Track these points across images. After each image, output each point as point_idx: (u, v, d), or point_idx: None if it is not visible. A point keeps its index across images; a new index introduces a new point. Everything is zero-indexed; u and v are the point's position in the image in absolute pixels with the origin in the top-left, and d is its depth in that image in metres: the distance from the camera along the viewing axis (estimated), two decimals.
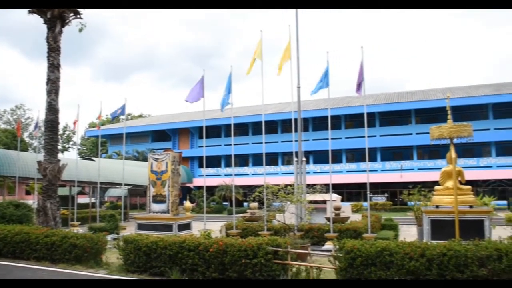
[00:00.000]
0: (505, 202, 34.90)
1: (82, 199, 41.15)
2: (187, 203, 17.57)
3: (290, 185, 15.58)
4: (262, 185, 15.40)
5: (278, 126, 45.05)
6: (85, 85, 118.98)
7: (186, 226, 16.50)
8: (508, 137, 37.87)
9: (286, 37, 16.93)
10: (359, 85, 14.58)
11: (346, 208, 18.64)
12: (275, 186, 15.23)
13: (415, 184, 20.11)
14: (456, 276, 7.65)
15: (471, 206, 12.97)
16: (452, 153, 12.48)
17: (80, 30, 16.79)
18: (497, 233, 13.20)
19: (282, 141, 42.73)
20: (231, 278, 9.42)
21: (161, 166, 16.55)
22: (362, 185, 34.74)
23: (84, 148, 73.34)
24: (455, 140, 12.22)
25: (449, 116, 12.58)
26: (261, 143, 17.73)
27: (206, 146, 43.30)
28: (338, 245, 8.75)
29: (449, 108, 12.82)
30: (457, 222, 11.19)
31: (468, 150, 40.08)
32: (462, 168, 14.29)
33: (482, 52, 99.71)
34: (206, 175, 44.64)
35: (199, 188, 45.67)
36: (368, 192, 15.03)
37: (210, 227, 17.68)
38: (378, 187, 39.91)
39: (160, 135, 54.02)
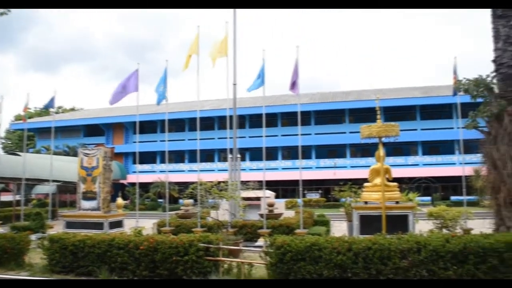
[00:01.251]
0: (429, 198, 36.91)
1: (6, 197, 38.80)
2: (119, 200, 17.06)
3: (224, 182, 15.57)
4: (197, 182, 15.27)
5: (215, 122, 44.92)
6: (11, 75, 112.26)
7: (117, 224, 16.03)
8: (434, 137, 40.14)
9: (223, 34, 16.86)
10: (294, 84, 14.80)
11: (280, 205, 18.91)
12: (208, 183, 15.16)
13: (347, 181, 20.78)
14: (380, 268, 7.98)
15: (397, 202, 13.59)
16: (380, 151, 13.02)
17: (1, 14, 15.70)
18: (421, 227, 13.92)
19: (219, 138, 42.64)
20: (162, 276, 9.26)
21: (92, 162, 15.95)
22: (297, 182, 35.48)
23: (9, 142, 69.21)
24: (383, 139, 12.74)
25: (379, 116, 13.10)
26: (199, 139, 17.55)
27: (141, 141, 42.61)
28: (269, 241, 8.86)
29: (379, 108, 13.37)
30: (384, 217, 11.68)
31: (397, 149, 41.99)
32: (390, 166, 14.95)
33: (419, 55, 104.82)
34: (141, 172, 43.71)
35: (133, 184, 44.55)
36: (300, 189, 15.31)
37: (143, 225, 17.27)
38: (312, 184, 40.90)
39: (93, 130, 52.13)
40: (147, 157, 46.47)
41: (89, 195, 15.80)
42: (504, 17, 11.18)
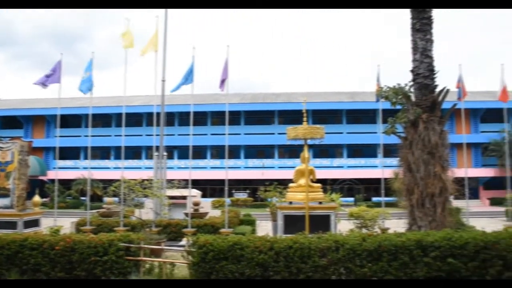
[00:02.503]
0: (352, 199, 38.48)
1: None
2: (36, 198, 16.15)
3: (148, 180, 15.25)
4: (120, 180, 14.83)
5: (143, 119, 43.86)
6: None
7: (33, 223, 15.13)
8: (358, 141, 41.91)
9: (154, 29, 16.49)
10: (223, 82, 14.82)
11: (206, 204, 18.84)
12: (132, 181, 14.77)
13: (274, 181, 21.11)
14: (300, 267, 8.18)
15: (320, 203, 14.05)
16: (305, 153, 13.38)
17: None
18: (342, 227, 14.50)
19: (147, 135, 41.70)
20: (79, 277, 8.87)
21: (5, 156, 14.94)
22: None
23: None
24: (309, 141, 13.10)
25: (305, 119, 13.45)
26: (124, 135, 17.03)
27: (63, 136, 40.58)
28: (191, 240, 8.79)
29: (306, 111, 13.72)
30: (307, 217, 12.02)
31: (323, 151, 43.37)
32: (316, 167, 15.41)
33: (350, 59, 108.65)
34: (63, 168, 41.70)
35: (54, 181, 42.38)
36: (226, 189, 15.34)
37: (62, 224, 16.50)
38: (240, 184, 41.19)
39: (10, 122, 48.87)
40: (71, 153, 44.43)
41: (1, 192, 14.78)
42: (422, 31, 11.95)
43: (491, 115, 39.36)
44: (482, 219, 24.84)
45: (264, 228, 19.40)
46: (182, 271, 9.39)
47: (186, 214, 15.58)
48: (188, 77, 15.01)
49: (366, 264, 8.21)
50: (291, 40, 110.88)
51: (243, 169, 41.82)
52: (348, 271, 8.21)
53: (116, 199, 17.51)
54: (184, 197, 16.89)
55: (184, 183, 17.04)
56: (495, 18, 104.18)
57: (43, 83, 15.95)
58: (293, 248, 8.25)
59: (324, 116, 42.33)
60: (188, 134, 40.00)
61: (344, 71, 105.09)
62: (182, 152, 42.57)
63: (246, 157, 43.12)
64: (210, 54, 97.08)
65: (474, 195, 39.85)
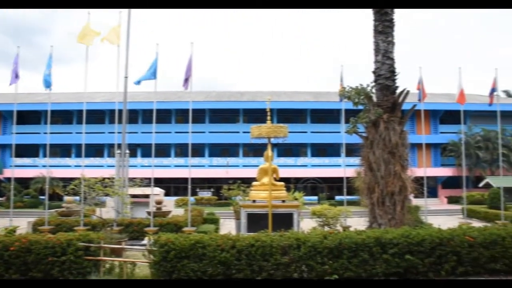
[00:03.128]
0: (316, 197, 38.89)
1: None
2: None
3: (109, 178, 14.95)
4: (80, 178, 14.46)
5: (106, 116, 42.91)
6: None
7: None
8: (322, 140, 42.36)
9: (117, 23, 16.15)
10: (186, 80, 14.69)
11: (169, 202, 18.65)
12: (92, 179, 14.43)
13: (237, 180, 21.07)
14: (262, 265, 8.22)
15: (283, 201, 14.14)
16: (269, 151, 13.43)
17: None
18: (305, 225, 14.62)
19: (109, 132, 40.82)
20: (35, 279, 8.60)
21: None
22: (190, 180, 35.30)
23: None
24: (272, 140, 13.15)
25: (269, 117, 13.50)
26: (86, 133, 16.62)
27: (21, 133, 39.28)
28: (153, 239, 8.68)
29: (269, 110, 13.76)
30: (270, 216, 12.05)
31: (288, 150, 43.65)
32: (280, 166, 15.51)
33: (316, 59, 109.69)
34: (21, 166, 40.27)
35: (10, 180, 40.91)
36: (189, 187, 15.23)
37: (19, 224, 16.00)
38: (205, 182, 40.95)
39: None
40: (29, 151, 42.95)
41: None
42: (384, 33, 12.21)
43: (450, 116, 40.62)
44: (440, 217, 25.61)
45: (228, 226, 19.37)
46: (143, 270, 9.26)
47: (149, 213, 15.37)
48: (152, 73, 14.79)
49: (327, 262, 8.34)
50: (257, 40, 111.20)
51: (207, 167, 41.58)
52: (310, 269, 8.32)
53: (77, 198, 17.08)
54: (146, 196, 16.67)
55: (147, 182, 16.82)
56: (455, 22, 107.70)
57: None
58: (255, 246, 8.28)
59: (289, 115, 42.56)
60: (151, 132, 39.69)
61: (310, 71, 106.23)
62: (146, 150, 41.96)
63: (211, 155, 42.89)
64: (175, 51, 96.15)
65: (433, 193, 40.99)
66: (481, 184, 35.24)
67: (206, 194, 39.45)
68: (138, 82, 15.07)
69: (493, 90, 20.58)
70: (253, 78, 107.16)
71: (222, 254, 8.17)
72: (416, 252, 8.71)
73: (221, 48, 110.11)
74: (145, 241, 13.69)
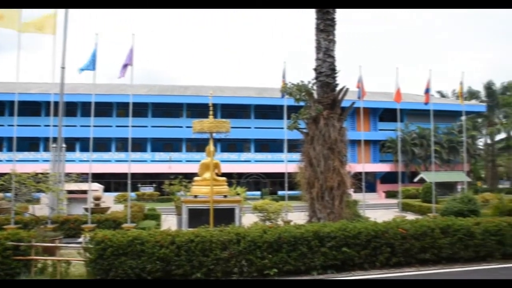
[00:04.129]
0: (259, 192, 39.18)
1: None
2: None
3: (43, 173, 14.26)
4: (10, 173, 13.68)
5: (42, 108, 40.95)
6: None
7: None
8: (265, 136, 42.69)
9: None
10: (125, 67, 14.23)
11: (108, 198, 18.13)
12: (24, 174, 13.70)
13: (179, 175, 20.84)
14: (202, 260, 8.16)
15: (225, 196, 14.14)
16: (211, 146, 13.36)
17: None
18: (247, 220, 14.72)
19: (45, 125, 39.01)
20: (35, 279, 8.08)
21: None
22: (132, 175, 34.40)
23: None
24: (214, 135, 13.09)
25: (211, 112, 13.41)
26: (19, 125, 15.75)
27: None
28: (89, 236, 8.39)
29: (212, 104, 13.67)
30: (212, 211, 12.00)
31: (231, 145, 43.66)
32: (224, 161, 15.47)
33: (263, 56, 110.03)
34: None
35: None
36: (129, 182, 14.88)
37: None
38: (147, 178, 40.13)
39: None
40: None
41: None
42: (325, 31, 12.46)
43: (389, 114, 42.18)
44: (378, 210, 26.57)
45: (170, 222, 19.11)
46: (79, 269, 8.91)
47: (86, 209, 14.86)
48: (91, 64, 14.24)
49: (267, 256, 8.43)
50: (205, 35, 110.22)
51: (149, 162, 40.75)
52: (249, 263, 8.37)
53: (8, 194, 16.16)
54: (84, 192, 16.07)
55: (85, 177, 16.20)
56: (394, 25, 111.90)
57: None
58: (195, 241, 8.21)
59: (233, 110, 42.57)
60: (90, 126, 38.23)
61: (256, 68, 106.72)
62: (85, 144, 40.47)
63: (153, 150, 42.06)
64: (117, 44, 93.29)
65: (372, 188, 42.55)
66: (416, 179, 36.91)
67: (148, 190, 38.68)
68: (82, 70, 14.47)
69: (427, 90, 21.59)
70: (199, 73, 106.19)
71: (161, 250, 8.03)
72: (352, 244, 8.99)
73: (167, 42, 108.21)
74: (81, 239, 13.23)
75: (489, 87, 49.11)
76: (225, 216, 12.86)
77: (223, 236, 8.38)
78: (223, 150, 41.98)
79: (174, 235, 8.34)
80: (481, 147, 52.10)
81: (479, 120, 51.44)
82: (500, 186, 50.68)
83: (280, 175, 33.30)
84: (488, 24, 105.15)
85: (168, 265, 8.09)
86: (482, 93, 50.19)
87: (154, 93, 42.13)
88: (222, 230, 8.66)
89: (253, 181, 41.53)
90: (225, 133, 13.01)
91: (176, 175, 21.49)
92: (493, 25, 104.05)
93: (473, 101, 48.59)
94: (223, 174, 15.73)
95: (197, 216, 13.04)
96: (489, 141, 51.73)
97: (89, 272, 8.21)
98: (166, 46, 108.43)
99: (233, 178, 28.33)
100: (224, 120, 13.15)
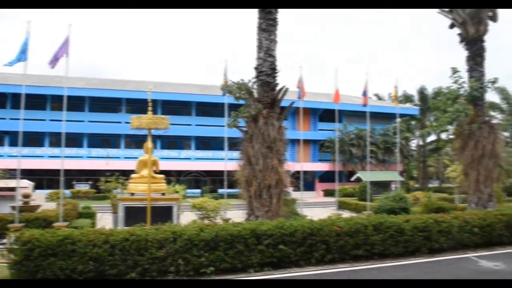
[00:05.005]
0: (199, 190, 38.90)
1: None
2: None
3: None
4: None
5: None
6: None
7: None
8: (206, 133, 42.40)
9: None
10: (56, 59, 13.57)
11: (39, 196, 17.28)
12: None
13: (116, 172, 20.27)
14: (137, 259, 7.97)
15: (163, 194, 13.90)
16: (149, 143, 13.09)
17: None
18: (186, 218, 14.53)
19: None
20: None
21: None
22: (66, 172, 32.95)
23: None
24: (153, 131, 12.84)
25: (150, 108, 13.15)
26: None
27: None
28: (14, 236, 7.95)
29: (151, 100, 13.40)
30: (149, 209, 11.78)
31: (172, 142, 42.98)
32: (164, 158, 15.19)
33: (205, 53, 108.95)
34: None
35: None
36: (62, 179, 14.26)
37: None
38: (83, 174, 38.68)
39: None
40: None
41: None
42: (267, 31, 12.54)
43: (329, 115, 43.21)
44: (316, 208, 27.19)
45: (107, 221, 18.52)
46: (3, 271, 8.41)
47: (14, 208, 14.05)
48: (21, 54, 13.45)
49: (204, 254, 8.38)
50: (149, 31, 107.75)
51: (86, 158, 39.23)
52: (186, 262, 8.28)
53: None
54: (12, 189, 15.20)
55: (14, 173, 15.35)
56: (332, 27, 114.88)
57: None
58: (130, 240, 8.01)
59: (174, 107, 41.92)
60: (22, 119, 36.20)
61: (200, 65, 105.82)
62: (15, 138, 38.38)
63: (90, 146, 40.51)
64: (54, 35, 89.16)
65: (311, 187, 43.50)
66: (353, 178, 38.11)
67: (83, 187, 37.28)
68: (11, 64, 13.62)
69: (365, 92, 22.35)
70: (142, 68, 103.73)
71: (94, 249, 7.76)
72: (289, 242, 9.13)
73: (111, 36, 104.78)
74: (5, 240, 12.49)
75: (421, 91, 51.63)
76: (163, 214, 12.67)
77: (159, 234, 8.23)
78: (163, 147, 41.26)
79: (108, 234, 8.09)
80: (414, 148, 54.78)
81: (413, 122, 53.97)
82: (430, 185, 53.48)
83: (221, 173, 33.32)
84: (432, 31, 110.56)
85: (101, 265, 7.83)
86: (416, 97, 52.68)
87: (92, 87, 40.60)
88: (159, 228, 8.51)
89: (194, 179, 41.18)
90: (164, 129, 12.80)
91: (113, 172, 20.87)
92: (434, 32, 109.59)
93: (408, 105, 50.93)
94: (163, 172, 15.46)
95: (134, 215, 12.75)
96: (421, 143, 54.45)
97: (13, 275, 7.76)
98: (109, 40, 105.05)
99: (171, 176, 27.95)
100: (163, 116, 12.93)
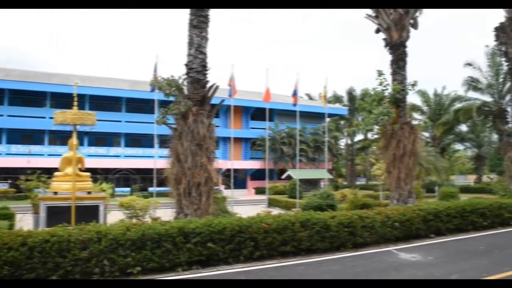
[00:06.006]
0: (129, 189, 37.87)
1: None
2: None
3: None
4: None
5: None
6: None
7: None
8: (136, 130, 41.28)
9: None
10: None
11: None
12: None
13: (37, 170, 19.23)
14: (58, 262, 7.63)
15: (89, 193, 13.42)
16: (74, 139, 12.57)
17: None
18: (114, 218, 14.11)
19: None
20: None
21: None
22: None
23: None
24: (78, 127, 12.35)
25: (75, 103, 12.61)
26: None
27: None
28: None
29: (76, 95, 12.85)
30: (74, 208, 11.31)
31: (101, 139, 41.50)
32: (90, 156, 14.62)
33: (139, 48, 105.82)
34: None
35: None
36: None
37: None
38: (1, 173, 36.34)
39: None
40: None
41: None
42: (198, 27, 12.45)
43: (261, 113, 43.65)
44: (247, 206, 27.37)
45: (27, 222, 17.55)
46: None
47: None
48: None
49: (130, 254, 8.18)
50: (81, 25, 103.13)
51: (4, 156, 36.89)
52: (112, 262, 8.04)
53: None
54: None
55: None
56: (261, 27, 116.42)
57: None
58: (51, 241, 7.64)
59: (104, 103, 40.46)
60: None
61: (131, 61, 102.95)
62: None
63: (9, 142, 38.05)
64: None
65: (243, 185, 43.81)
66: (283, 176, 38.84)
67: (2, 186, 35.03)
68: None
69: (295, 92, 22.88)
70: (72, 62, 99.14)
71: (9, 253, 7.31)
72: (217, 240, 9.14)
73: (36, 25, 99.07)
74: None
75: (350, 92, 53.63)
76: (89, 214, 12.23)
77: (83, 235, 7.93)
78: (91, 144, 39.70)
79: (26, 235, 7.66)
80: (342, 147, 56.81)
81: (342, 122, 55.95)
82: (358, 183, 55.74)
83: (151, 171, 32.71)
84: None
85: (18, 269, 7.40)
86: (346, 98, 54.63)
87: (13, 79, 38.18)
88: (82, 228, 8.19)
89: (123, 177, 40.03)
90: (91, 125, 12.36)
91: (35, 170, 19.79)
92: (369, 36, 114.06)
93: (337, 105, 52.68)
94: (89, 170, 14.91)
95: (57, 215, 12.18)
96: (349, 142, 56.57)
97: None
98: (36, 30, 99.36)
99: (98, 174, 27.00)
100: (89, 112, 12.48)
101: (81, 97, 32.47)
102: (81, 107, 12.52)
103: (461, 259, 9.98)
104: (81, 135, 35.07)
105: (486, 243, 12.12)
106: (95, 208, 12.88)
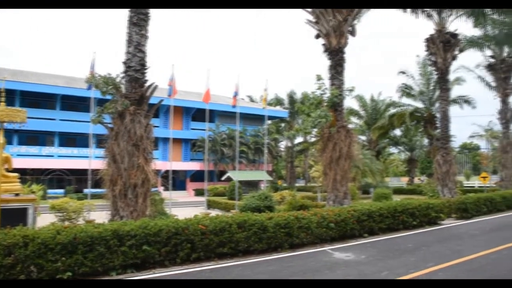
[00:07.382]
0: (63, 190, 36.26)
1: None
2: None
3: None
4: None
5: None
6: None
7: None
8: (71, 129, 39.62)
9: None
10: None
11: None
12: None
13: None
14: None
15: (17, 194, 12.72)
16: (0, 138, 11.85)
17: None
18: (45, 221, 13.43)
19: None
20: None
21: None
22: None
23: None
24: (6, 125, 11.67)
25: (3, 99, 11.90)
26: None
27: None
28: None
29: (3, 90, 12.13)
30: None
31: (33, 138, 39.47)
32: (19, 155, 13.84)
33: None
34: None
35: None
36: None
37: None
38: None
39: None
40: None
41: None
42: (138, 25, 12.17)
43: (202, 114, 43.24)
44: (186, 208, 27.09)
45: None
46: None
47: None
48: None
49: (60, 258, 7.83)
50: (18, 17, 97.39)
51: None
52: (39, 268, 7.66)
53: None
54: None
55: None
56: (205, 29, 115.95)
57: None
58: None
59: (37, 99, 38.48)
60: None
61: (67, 55, 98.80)
62: None
63: None
64: None
65: (183, 186, 43.26)
66: (223, 178, 38.74)
67: None
68: None
69: (235, 93, 22.92)
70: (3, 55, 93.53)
71: None
72: (153, 242, 8.96)
73: None
74: None
75: (291, 96, 54.54)
76: (16, 217, 11.57)
77: (7, 239, 7.47)
78: (21, 143, 37.62)
79: None
80: (282, 149, 57.62)
81: (283, 124, 56.74)
82: (297, 184, 56.75)
83: (86, 172, 31.54)
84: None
85: None
86: (287, 101, 55.46)
87: None
88: (7, 233, 7.72)
89: (56, 178, 38.29)
90: (21, 123, 11.69)
91: None
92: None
93: (278, 107, 53.36)
94: (19, 170, 14.13)
95: None
96: (289, 144, 57.50)
97: None
98: None
99: (28, 174, 25.65)
100: (19, 108, 11.79)
101: (10, 92, 30.78)
102: (10, 103, 11.81)
103: (391, 257, 10.41)
104: (11, 133, 33.24)
105: (415, 241, 12.75)
106: (24, 211, 12.21)
